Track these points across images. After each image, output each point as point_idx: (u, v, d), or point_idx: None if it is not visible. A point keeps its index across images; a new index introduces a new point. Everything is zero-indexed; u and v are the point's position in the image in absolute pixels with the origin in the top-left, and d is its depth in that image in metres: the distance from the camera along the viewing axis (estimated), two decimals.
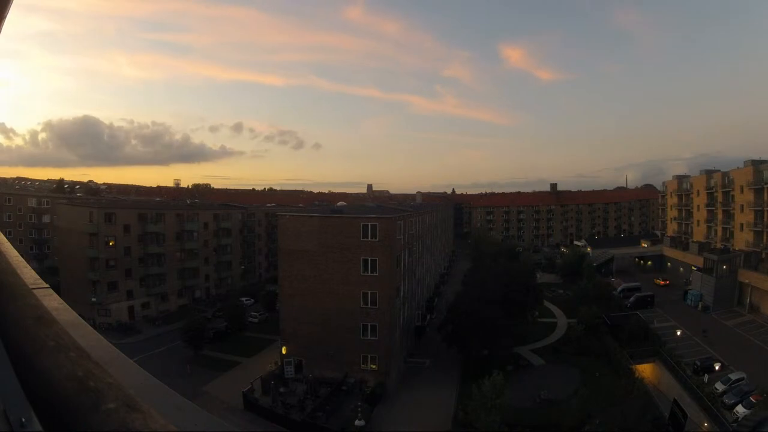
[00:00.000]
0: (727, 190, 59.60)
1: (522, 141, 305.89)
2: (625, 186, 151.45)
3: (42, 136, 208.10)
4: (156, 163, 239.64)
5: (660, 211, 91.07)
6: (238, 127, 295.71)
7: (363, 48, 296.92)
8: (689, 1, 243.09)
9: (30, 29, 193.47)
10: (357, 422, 26.44)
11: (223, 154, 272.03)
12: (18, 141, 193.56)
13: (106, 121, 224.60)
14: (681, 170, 75.23)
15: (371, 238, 32.81)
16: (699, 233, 66.37)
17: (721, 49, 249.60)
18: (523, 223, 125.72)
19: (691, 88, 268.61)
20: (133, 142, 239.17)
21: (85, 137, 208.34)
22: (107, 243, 50.68)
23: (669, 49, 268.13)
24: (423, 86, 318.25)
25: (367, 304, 33.03)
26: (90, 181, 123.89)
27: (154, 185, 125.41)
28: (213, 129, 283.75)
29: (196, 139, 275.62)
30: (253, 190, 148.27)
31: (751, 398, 28.80)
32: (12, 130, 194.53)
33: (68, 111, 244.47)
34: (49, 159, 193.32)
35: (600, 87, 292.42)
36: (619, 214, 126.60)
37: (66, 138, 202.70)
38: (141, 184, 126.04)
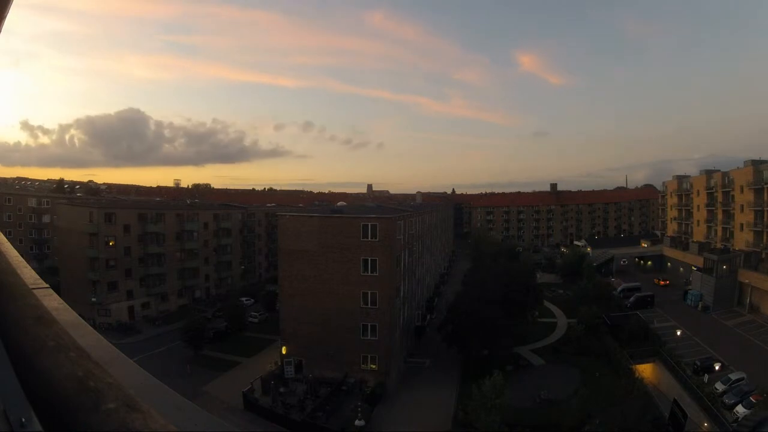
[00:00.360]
0: (727, 190, 59.59)
1: (528, 142, 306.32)
2: (625, 186, 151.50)
3: (70, 134, 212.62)
4: (158, 164, 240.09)
5: (660, 211, 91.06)
6: (249, 128, 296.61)
7: (378, 51, 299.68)
8: (696, 5, 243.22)
9: (38, 29, 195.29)
10: (357, 422, 26.44)
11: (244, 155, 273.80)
12: (30, 141, 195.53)
13: (135, 120, 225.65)
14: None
15: (371, 238, 32.81)
16: (699, 233, 66.37)
17: (731, 49, 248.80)
18: (523, 223, 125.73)
19: (701, 90, 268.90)
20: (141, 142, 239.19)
21: (119, 135, 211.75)
22: (107, 243, 50.69)
23: (678, 51, 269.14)
24: (434, 89, 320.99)
25: (367, 304, 33.02)
26: (90, 181, 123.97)
27: (154, 185, 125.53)
28: (229, 130, 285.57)
29: (217, 139, 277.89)
30: (253, 190, 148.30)
31: (751, 398, 28.80)
32: (21, 130, 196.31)
33: (79, 111, 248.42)
34: (73, 159, 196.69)
35: (608, 89, 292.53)
36: (619, 214, 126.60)
37: (99, 136, 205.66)
38: (141, 184, 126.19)
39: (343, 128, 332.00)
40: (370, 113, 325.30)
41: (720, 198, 61.14)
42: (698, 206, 67.15)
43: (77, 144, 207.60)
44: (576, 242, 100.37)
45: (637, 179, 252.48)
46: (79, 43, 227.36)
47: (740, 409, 28.22)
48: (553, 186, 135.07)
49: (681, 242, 70.02)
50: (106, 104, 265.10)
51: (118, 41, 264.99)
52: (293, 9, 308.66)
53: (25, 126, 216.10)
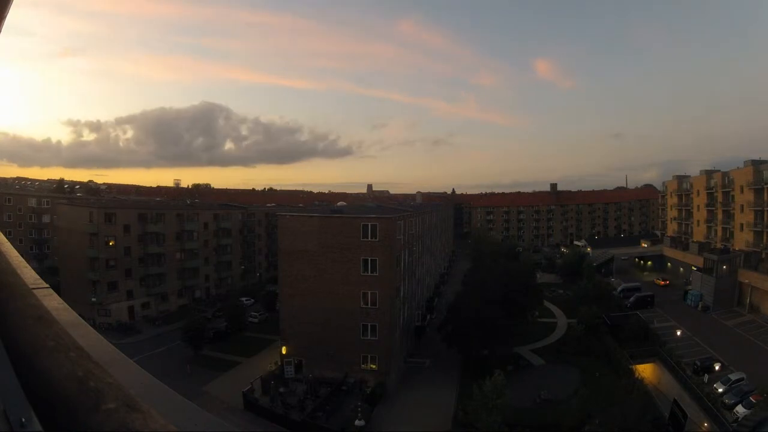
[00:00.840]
0: (727, 190, 59.60)
1: (536, 143, 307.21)
2: (625, 186, 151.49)
3: (124, 132, 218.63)
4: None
5: (660, 211, 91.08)
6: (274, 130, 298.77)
7: (397, 55, 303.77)
8: (702, 12, 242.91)
9: (51, 31, 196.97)
10: (357, 422, 26.44)
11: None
12: (41, 141, 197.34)
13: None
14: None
15: (371, 238, 32.80)
16: (699, 233, 66.37)
17: (742, 50, 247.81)
18: (523, 223, 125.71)
19: (712, 91, 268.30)
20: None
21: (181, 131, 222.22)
22: (107, 243, 50.68)
23: (688, 55, 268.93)
24: (448, 92, 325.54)
25: (367, 304, 33.02)
26: (90, 181, 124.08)
27: (154, 185, 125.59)
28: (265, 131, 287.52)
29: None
30: (253, 190, 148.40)
31: (751, 398, 28.80)
32: (32, 131, 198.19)
33: (97, 113, 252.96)
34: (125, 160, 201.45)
35: (612, 90, 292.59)
36: (619, 214, 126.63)
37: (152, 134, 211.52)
38: (141, 185, 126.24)
39: (366, 129, 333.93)
40: (378, 115, 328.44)
41: (720, 198, 61.14)
42: (698, 206, 67.15)
43: (127, 142, 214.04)
44: (576, 242, 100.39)
45: (646, 180, 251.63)
46: (94, 43, 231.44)
47: (740, 409, 28.21)
48: (553, 186, 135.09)
49: (681, 242, 70.01)
50: (112, 106, 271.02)
51: (130, 42, 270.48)
52: (310, 13, 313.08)
53: (36, 126, 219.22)
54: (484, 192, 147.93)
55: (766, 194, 51.00)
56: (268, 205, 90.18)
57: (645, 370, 35.89)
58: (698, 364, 34.77)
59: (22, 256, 1.97)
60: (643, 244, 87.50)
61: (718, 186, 61.53)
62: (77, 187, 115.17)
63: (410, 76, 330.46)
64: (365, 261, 32.88)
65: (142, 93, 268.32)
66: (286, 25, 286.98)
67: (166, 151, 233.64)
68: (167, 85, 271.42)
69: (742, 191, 55.31)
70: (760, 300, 46.36)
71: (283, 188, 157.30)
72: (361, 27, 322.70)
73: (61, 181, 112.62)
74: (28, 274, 1.68)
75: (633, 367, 35.03)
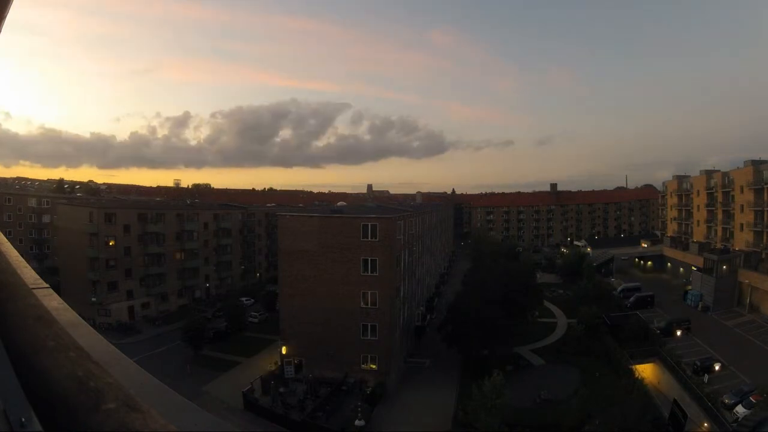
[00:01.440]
0: (727, 190, 59.56)
1: (536, 143, 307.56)
2: (625, 186, 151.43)
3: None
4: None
5: (660, 211, 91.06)
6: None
7: (410, 59, 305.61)
8: (702, 12, 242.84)
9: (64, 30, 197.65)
10: (357, 422, 26.45)
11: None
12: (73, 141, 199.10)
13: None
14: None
15: (371, 238, 32.80)
16: (699, 233, 66.34)
17: (741, 52, 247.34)
18: (523, 223, 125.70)
19: (711, 93, 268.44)
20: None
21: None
22: (107, 243, 50.67)
23: (688, 55, 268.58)
24: (458, 94, 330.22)
25: (367, 304, 33.02)
26: (90, 181, 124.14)
27: (154, 185, 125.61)
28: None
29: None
30: (253, 190, 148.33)
31: (751, 398, 28.78)
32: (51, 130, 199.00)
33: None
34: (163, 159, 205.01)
35: (618, 90, 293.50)
36: (619, 214, 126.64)
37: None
38: (141, 184, 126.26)
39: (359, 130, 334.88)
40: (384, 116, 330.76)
41: (720, 198, 61.10)
42: (698, 206, 67.10)
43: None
44: (576, 242, 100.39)
45: (647, 180, 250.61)
46: (113, 45, 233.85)
47: (740, 409, 28.19)
48: (553, 186, 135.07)
49: (681, 242, 70.00)
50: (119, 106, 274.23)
51: (149, 44, 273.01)
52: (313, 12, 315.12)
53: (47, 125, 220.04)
54: (484, 192, 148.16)
55: (766, 194, 50.97)
56: (268, 205, 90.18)
57: (645, 370, 35.87)
58: (698, 364, 34.75)
59: (22, 256, 1.97)
60: (643, 244, 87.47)
61: (718, 186, 61.50)
62: (77, 187, 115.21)
63: (422, 79, 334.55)
64: (365, 261, 32.88)
65: (153, 95, 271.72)
66: (290, 25, 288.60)
67: (171, 152, 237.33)
68: (188, 86, 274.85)
69: (742, 191, 55.28)
70: (760, 300, 46.33)
71: (283, 188, 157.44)
72: (365, 30, 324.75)
73: (61, 181, 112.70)
74: (28, 274, 1.68)
75: (633, 367, 35.02)
